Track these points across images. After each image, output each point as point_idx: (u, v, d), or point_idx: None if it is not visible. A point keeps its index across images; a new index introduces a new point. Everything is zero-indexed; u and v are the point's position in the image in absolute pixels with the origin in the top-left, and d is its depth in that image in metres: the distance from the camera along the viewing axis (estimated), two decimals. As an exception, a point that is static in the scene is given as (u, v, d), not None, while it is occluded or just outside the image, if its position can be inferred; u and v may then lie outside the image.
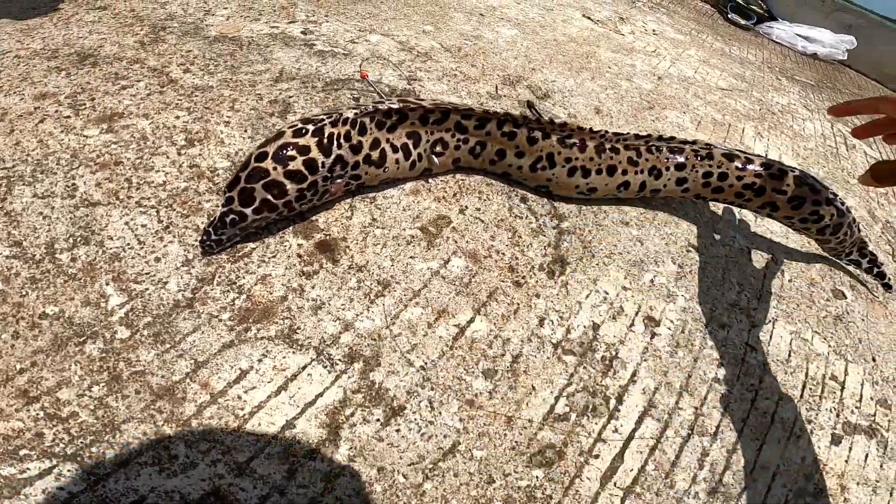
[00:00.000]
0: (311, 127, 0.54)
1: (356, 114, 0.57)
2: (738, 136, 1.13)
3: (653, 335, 0.60)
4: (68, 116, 0.69)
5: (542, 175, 0.70)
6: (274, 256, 0.55)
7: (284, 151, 0.52)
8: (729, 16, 2.16)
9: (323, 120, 0.55)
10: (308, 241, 0.57)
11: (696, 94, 1.21)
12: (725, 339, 0.64)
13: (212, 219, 0.53)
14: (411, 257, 0.59)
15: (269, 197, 0.51)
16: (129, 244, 0.51)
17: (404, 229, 0.62)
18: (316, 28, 1.02)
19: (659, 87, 1.17)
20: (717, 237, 0.82)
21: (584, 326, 0.58)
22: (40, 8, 0.91)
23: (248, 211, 0.51)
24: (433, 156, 0.66)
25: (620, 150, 0.70)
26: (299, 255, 0.56)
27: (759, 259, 0.82)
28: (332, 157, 0.55)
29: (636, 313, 0.61)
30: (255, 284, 0.51)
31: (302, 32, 1.00)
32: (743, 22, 2.13)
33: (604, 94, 1.05)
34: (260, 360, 0.46)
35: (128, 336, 0.44)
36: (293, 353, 0.47)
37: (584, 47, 1.25)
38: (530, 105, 0.93)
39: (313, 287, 0.53)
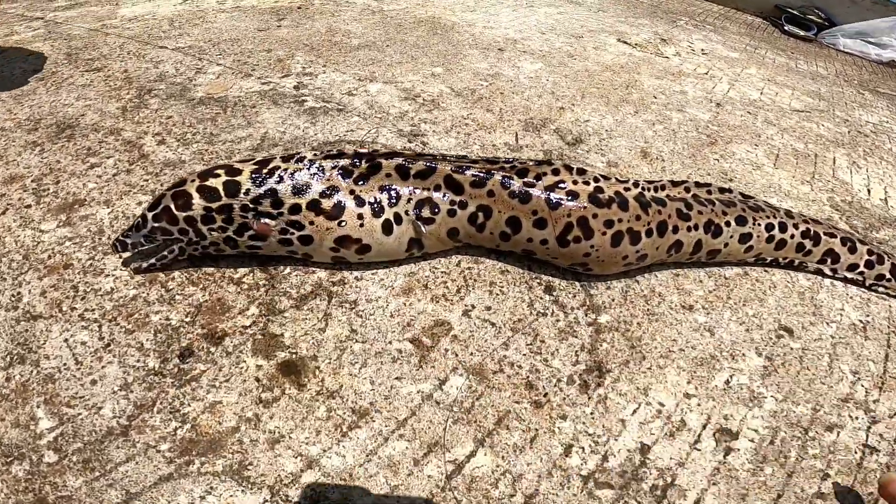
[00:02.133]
0: (259, 157, 0.54)
1: (315, 155, 0.54)
2: (830, 169, 0.94)
3: (727, 451, 0.51)
4: (29, 206, 0.66)
5: (578, 249, 0.56)
6: (227, 381, 0.50)
7: (213, 170, 0.53)
8: (785, 28, 2.01)
9: (274, 157, 0.54)
10: (269, 361, 0.52)
11: (767, 121, 1.04)
12: (834, 443, 0.53)
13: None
14: (397, 378, 0.52)
15: (172, 206, 0.52)
16: (65, 364, 0.50)
17: (390, 342, 0.55)
18: (311, 81, 0.96)
19: (719, 116, 1.01)
20: (820, 313, 0.64)
21: (629, 450, 0.49)
22: (43, 70, 0.94)
23: (150, 215, 0.53)
24: (419, 222, 0.55)
25: (666, 200, 0.59)
26: (257, 379, 0.50)
27: (877, 336, 0.65)
28: (264, 188, 0.52)
29: (703, 426, 0.52)
30: (203, 413, 0.47)
31: (295, 87, 0.93)
32: (802, 33, 1.97)
33: (651, 132, 0.91)
34: (202, 498, 0.42)
35: (55, 460, 0.44)
36: (242, 491, 0.43)
37: (622, 75, 1.12)
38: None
39: (272, 417, 0.47)
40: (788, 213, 0.69)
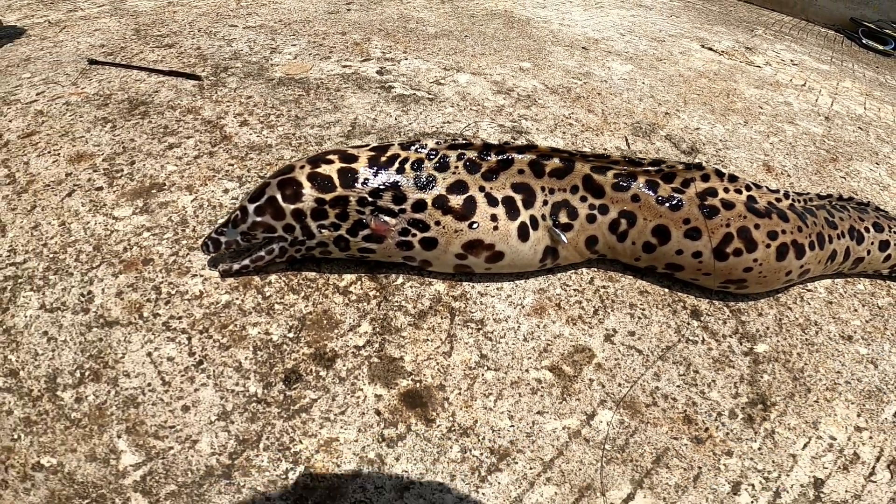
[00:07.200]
0: (374, 144, 0.49)
1: (438, 143, 0.48)
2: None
3: (905, 483, 0.46)
4: (100, 188, 0.60)
5: (738, 264, 0.51)
6: (343, 413, 0.43)
7: (325, 155, 0.47)
8: (863, 41, 1.94)
9: (392, 143, 0.49)
10: (390, 390, 0.45)
11: (879, 138, 0.97)
12: None
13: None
14: (539, 412, 0.45)
15: (278, 196, 0.45)
16: (149, 384, 0.43)
17: (527, 370, 0.48)
18: (393, 66, 0.90)
19: (832, 131, 0.94)
20: None
21: (802, 485, 0.46)
22: (108, 45, 0.91)
23: (251, 208, 0.46)
24: (556, 229, 0.49)
25: (814, 209, 0.58)
26: (378, 412, 0.43)
27: None
28: (384, 178, 0.46)
29: (877, 458, 0.49)
30: (317, 452, 0.40)
31: (378, 72, 0.87)
32: (881, 48, 1.91)
33: (768, 144, 0.84)
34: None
35: (145, 507, 0.36)
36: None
37: (718, 83, 1.05)
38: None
39: (398, 458, 0.41)
40: None
